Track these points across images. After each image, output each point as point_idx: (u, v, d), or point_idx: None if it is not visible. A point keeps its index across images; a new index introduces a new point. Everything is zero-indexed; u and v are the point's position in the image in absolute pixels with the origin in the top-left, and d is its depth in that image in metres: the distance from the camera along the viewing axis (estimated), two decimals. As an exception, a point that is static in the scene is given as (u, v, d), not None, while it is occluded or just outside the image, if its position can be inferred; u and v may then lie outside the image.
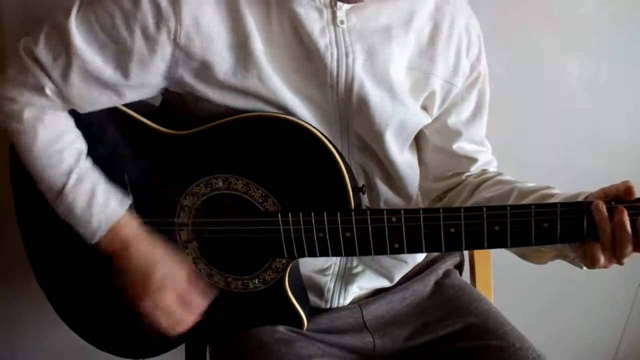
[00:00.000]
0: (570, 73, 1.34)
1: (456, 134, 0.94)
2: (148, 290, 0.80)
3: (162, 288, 0.80)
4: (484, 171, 0.95)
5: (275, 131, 0.79)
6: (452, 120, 0.93)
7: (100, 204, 0.80)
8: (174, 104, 0.86)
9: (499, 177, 0.92)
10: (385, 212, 0.77)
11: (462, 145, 0.94)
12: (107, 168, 0.84)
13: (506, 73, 1.23)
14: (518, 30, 1.28)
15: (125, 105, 0.84)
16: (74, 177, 0.80)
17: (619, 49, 1.32)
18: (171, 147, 0.84)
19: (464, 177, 0.95)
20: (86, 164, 0.82)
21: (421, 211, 0.77)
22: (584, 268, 0.80)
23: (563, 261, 0.83)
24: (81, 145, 0.83)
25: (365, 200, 0.91)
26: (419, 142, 0.97)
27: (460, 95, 0.92)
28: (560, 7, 1.28)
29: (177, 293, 0.82)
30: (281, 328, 0.89)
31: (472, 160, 0.95)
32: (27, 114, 0.79)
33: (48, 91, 0.78)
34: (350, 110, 0.84)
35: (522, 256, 0.88)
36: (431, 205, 1.00)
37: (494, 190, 0.89)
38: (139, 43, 0.76)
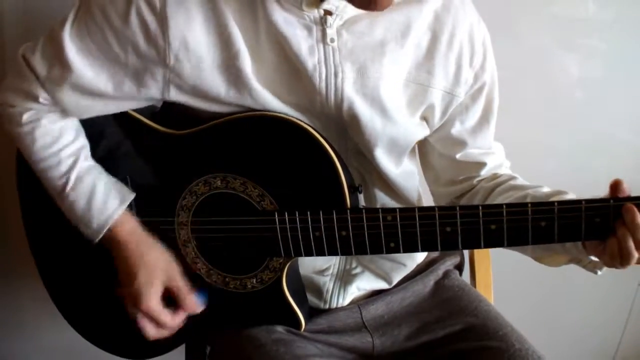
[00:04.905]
0: (570, 74, 1.34)
1: (461, 143, 0.91)
2: (134, 291, 0.81)
3: (147, 290, 0.81)
4: (496, 175, 0.93)
5: (273, 130, 0.79)
6: (457, 129, 0.90)
7: (98, 205, 0.81)
8: (174, 104, 0.86)
9: (512, 182, 0.90)
10: (380, 210, 0.78)
11: (467, 153, 0.92)
12: (107, 167, 0.85)
13: (505, 74, 1.23)
14: (517, 31, 1.27)
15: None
16: (73, 177, 0.81)
17: (619, 49, 1.32)
18: (171, 146, 0.85)
19: (475, 181, 0.93)
20: (86, 162, 0.83)
21: (416, 210, 0.77)
22: (599, 273, 0.80)
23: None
24: (81, 143, 0.84)
25: (362, 202, 0.91)
26: (424, 148, 0.96)
27: (465, 104, 0.89)
28: (560, 7, 1.27)
29: (163, 296, 0.82)
30: (279, 328, 0.89)
31: (480, 164, 0.92)
32: (26, 117, 0.81)
33: (42, 100, 0.79)
34: (343, 124, 0.83)
35: (537, 258, 0.87)
36: None
37: (507, 196, 0.87)
38: (132, 60, 0.76)
